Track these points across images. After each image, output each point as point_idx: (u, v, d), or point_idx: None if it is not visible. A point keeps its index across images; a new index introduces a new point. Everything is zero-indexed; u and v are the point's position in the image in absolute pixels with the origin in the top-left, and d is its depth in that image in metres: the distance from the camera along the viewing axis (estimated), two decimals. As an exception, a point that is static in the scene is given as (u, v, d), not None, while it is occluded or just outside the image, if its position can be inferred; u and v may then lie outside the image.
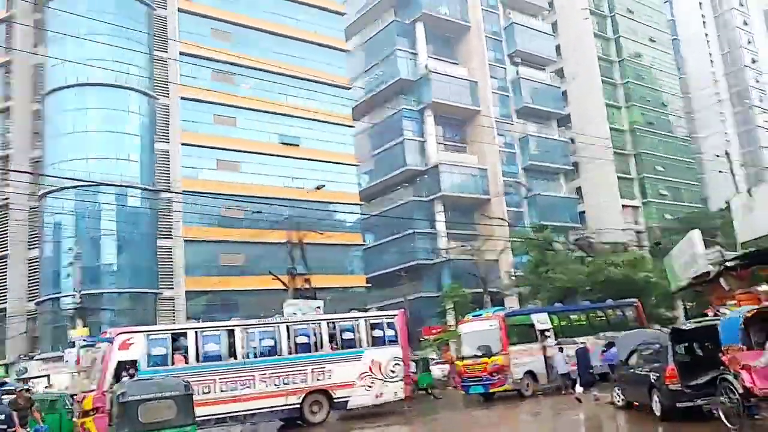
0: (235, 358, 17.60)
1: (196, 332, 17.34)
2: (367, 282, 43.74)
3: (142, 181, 35.40)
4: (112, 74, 34.80)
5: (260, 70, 37.38)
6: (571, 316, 24.17)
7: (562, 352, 20.77)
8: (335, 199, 41.53)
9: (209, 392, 16.63)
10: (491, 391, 20.64)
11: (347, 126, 45.16)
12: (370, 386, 19.17)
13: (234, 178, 38.53)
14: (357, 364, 19.11)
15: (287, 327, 18.66)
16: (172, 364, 16.50)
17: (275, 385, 17.77)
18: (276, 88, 38.11)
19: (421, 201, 52.24)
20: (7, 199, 34.26)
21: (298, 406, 17.95)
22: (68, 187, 33.64)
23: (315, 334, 18.94)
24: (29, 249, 34.86)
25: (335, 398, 18.58)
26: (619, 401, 14.98)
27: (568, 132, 61.88)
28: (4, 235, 34.99)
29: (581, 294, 31.03)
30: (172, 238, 35.95)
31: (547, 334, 21.85)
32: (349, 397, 18.81)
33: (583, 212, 59.64)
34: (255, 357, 17.95)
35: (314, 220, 34.38)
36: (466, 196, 52.76)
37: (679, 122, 71.29)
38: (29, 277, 34.51)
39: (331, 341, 19.14)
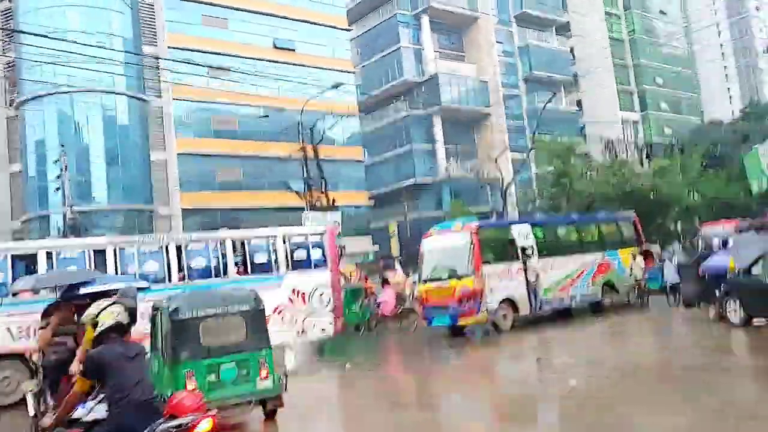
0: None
1: (47, 253, 13.79)
2: (369, 199, 42.90)
3: (129, 88, 33.54)
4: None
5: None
6: (558, 230, 20.99)
7: (671, 261, 19.33)
8: (333, 109, 40.06)
9: None
10: (460, 323, 17.27)
11: (343, 30, 43.23)
12: (289, 321, 15.99)
13: (225, 84, 36.81)
14: (273, 293, 15.30)
15: (176, 248, 15.17)
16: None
17: None
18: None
19: (418, 115, 51.01)
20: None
21: None
22: (49, 94, 31.87)
23: (215, 257, 15.70)
24: (10, 164, 33.01)
25: None
26: (736, 318, 13.87)
27: (568, 42, 60.77)
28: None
29: (605, 207, 30.75)
30: (164, 150, 34.39)
31: (528, 252, 18.44)
32: None
33: (583, 127, 59.20)
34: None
35: (311, 132, 33.00)
36: (465, 108, 51.66)
37: (678, 33, 70.58)
38: (12, 194, 32.81)
39: (237, 265, 16.03)
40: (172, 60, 34.99)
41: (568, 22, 61.07)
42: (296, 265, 16.58)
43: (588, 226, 21.74)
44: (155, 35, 35.16)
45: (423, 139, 51.22)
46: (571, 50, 59.59)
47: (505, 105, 52.67)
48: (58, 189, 29.94)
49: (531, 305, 18.11)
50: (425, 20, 51.50)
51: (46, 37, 21.56)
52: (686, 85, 68.33)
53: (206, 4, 36.38)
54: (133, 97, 33.44)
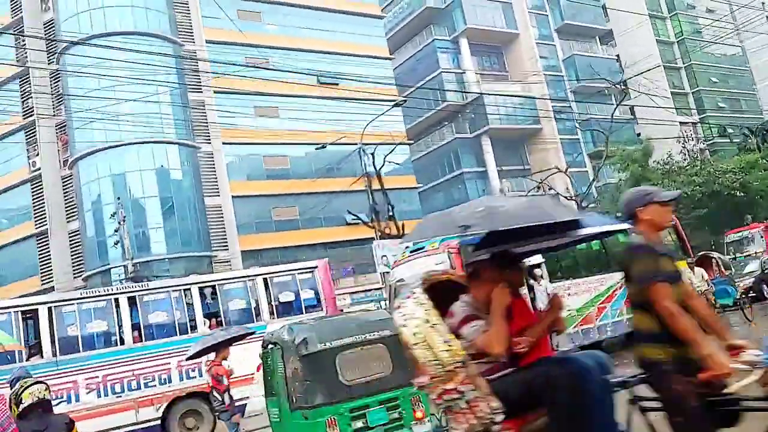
0: (42, 356, 12.19)
1: None
2: (426, 227, 42.76)
3: (178, 136, 34.41)
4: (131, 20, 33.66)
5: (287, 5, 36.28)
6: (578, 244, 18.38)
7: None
8: (383, 140, 40.37)
9: None
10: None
11: (385, 59, 43.83)
12: None
13: (273, 124, 37.57)
14: (256, 347, 13.23)
15: (128, 300, 12.97)
16: None
17: (115, 393, 12.39)
18: (305, 23, 37.07)
19: (465, 138, 51.16)
20: (38, 169, 33.34)
21: (159, 420, 12.63)
22: (101, 150, 32.85)
23: (179, 309, 13.52)
24: (68, 222, 33.99)
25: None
26: None
27: (612, 50, 60.48)
28: (41, 209, 34.05)
29: (691, 209, 30.10)
30: (219, 196, 35.01)
31: (536, 273, 14.90)
32: (246, 399, 12.75)
33: (639, 134, 58.39)
34: (75, 352, 12.47)
35: (362, 165, 33.19)
36: (514, 127, 51.63)
37: (728, 30, 69.61)
38: (72, 251, 33.68)
39: (209, 316, 14.01)
40: (218, 108, 36.03)
41: (611, 30, 60.88)
42: (283, 310, 14.53)
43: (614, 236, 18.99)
44: (200, 81, 36.05)
45: (473, 161, 51.29)
46: (618, 58, 59.18)
47: (556, 119, 52.47)
48: (117, 243, 30.59)
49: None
50: (464, 43, 52.01)
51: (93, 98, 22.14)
52: (743, 82, 67.08)
53: (247, 45, 37.26)
54: (183, 144, 34.21)
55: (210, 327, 13.59)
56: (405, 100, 32.03)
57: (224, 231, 34.65)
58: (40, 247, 34.03)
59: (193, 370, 12.76)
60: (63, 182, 34.44)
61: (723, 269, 19.04)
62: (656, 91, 56.74)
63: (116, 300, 12.95)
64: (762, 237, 25.39)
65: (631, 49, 54.62)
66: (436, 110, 50.89)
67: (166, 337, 13.11)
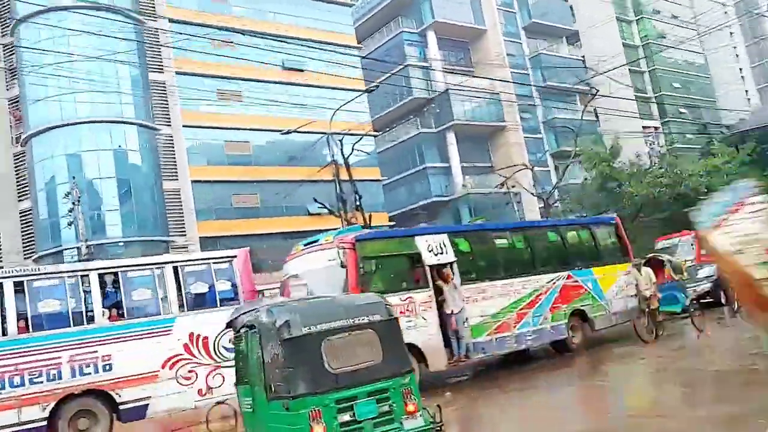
0: None
1: None
2: (390, 220, 42.86)
3: (137, 117, 33.77)
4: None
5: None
6: (497, 242, 15.95)
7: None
8: (350, 129, 40.28)
9: None
10: None
11: (353, 47, 43.68)
12: (187, 378, 12.57)
13: (236, 109, 37.20)
14: (161, 342, 12.45)
15: (14, 285, 11.65)
16: None
17: None
18: (272, 7, 36.81)
19: (430, 132, 51.33)
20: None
21: (45, 422, 11.22)
22: (56, 127, 32.11)
23: (76, 296, 12.21)
24: (19, 201, 33.12)
25: (122, 403, 11.84)
26: None
27: (578, 51, 61.36)
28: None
29: (656, 210, 30.75)
30: (178, 180, 34.49)
31: (446, 274, 13.65)
32: (148, 398, 12.07)
33: (601, 136, 59.36)
34: None
35: (330, 152, 33.11)
36: (479, 124, 51.99)
37: (691, 36, 71.21)
38: (23, 230, 32.83)
39: (109, 307, 12.61)
40: (179, 89, 35.47)
41: (578, 31, 61.77)
42: (195, 302, 13.31)
43: (543, 235, 17.02)
44: (161, 62, 35.45)
45: (437, 157, 51.50)
46: (583, 60, 60.06)
47: (520, 117, 53.01)
48: (70, 224, 29.89)
49: (453, 352, 13.46)
50: (431, 36, 52.22)
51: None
52: (703, 90, 68.67)
53: (213, 27, 36.72)
54: (141, 125, 33.59)
55: (110, 318, 12.37)
56: (378, 86, 31.97)
57: (182, 216, 34.18)
58: (-12, 224, 33.15)
59: (88, 366, 11.67)
60: (15, 159, 33.56)
61: (673, 273, 17.62)
62: (620, 93, 57.98)
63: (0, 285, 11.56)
64: (692, 245, 24.61)
65: (597, 50, 55.37)
66: (402, 103, 51.02)
67: (58, 328, 11.71)
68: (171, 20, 35.78)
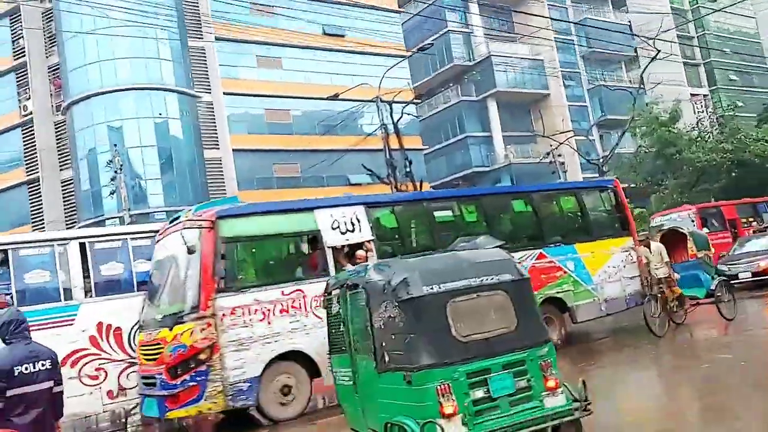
0: None
1: None
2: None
3: (178, 85, 33.52)
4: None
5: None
6: (437, 214, 12.70)
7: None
8: (392, 96, 39.68)
9: None
10: (170, 415, 9.64)
11: (393, 11, 42.88)
12: (93, 378, 10.75)
13: (276, 76, 36.81)
14: (61, 334, 10.32)
15: None
16: None
17: None
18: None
19: (471, 101, 50.49)
20: (30, 113, 32.45)
21: None
22: (96, 94, 31.98)
23: None
24: (61, 170, 33.20)
25: None
26: None
27: (625, 16, 59.70)
28: (33, 156, 33.22)
29: (716, 179, 29.79)
30: (219, 149, 34.28)
31: (360, 254, 10.79)
32: None
33: (647, 104, 57.96)
34: None
35: (380, 117, 32.57)
36: (522, 91, 50.99)
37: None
38: (65, 200, 32.95)
39: None
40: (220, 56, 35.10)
41: (624, -7, 60.09)
42: (106, 287, 11.39)
43: (504, 204, 14.04)
44: (200, 28, 35.07)
45: (478, 125, 50.72)
46: (629, 25, 58.45)
47: (564, 85, 51.86)
48: (112, 193, 29.91)
49: None
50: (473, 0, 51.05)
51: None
52: (755, 56, 66.54)
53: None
54: (182, 93, 33.32)
55: None
56: (430, 45, 31.17)
57: (224, 185, 33.96)
58: (31, 195, 33.29)
59: None
60: (56, 128, 33.58)
61: (695, 249, 14.31)
62: (668, 59, 56.42)
63: None
64: (693, 221, 22.21)
65: (643, 16, 53.76)
66: (443, 70, 50.16)
67: None
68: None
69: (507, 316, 5.64)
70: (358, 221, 11.19)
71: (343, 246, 10.98)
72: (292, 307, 10.14)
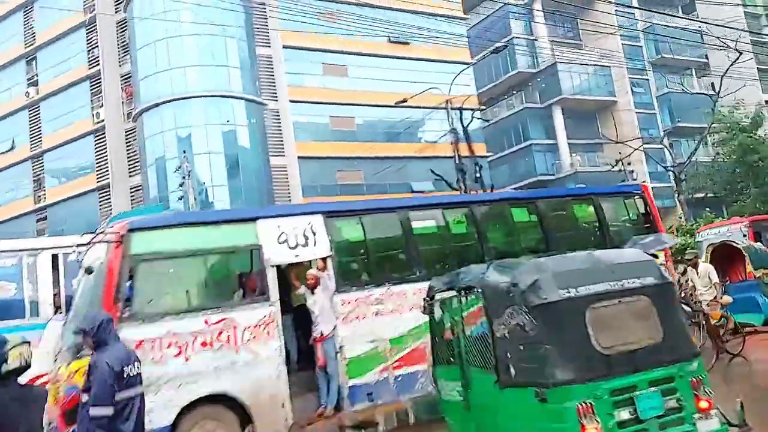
0: None
1: None
2: (496, 198, 41.81)
3: (246, 92, 33.89)
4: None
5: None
6: (417, 224, 10.48)
7: None
8: (461, 103, 39.40)
9: None
10: None
11: (459, 19, 42.60)
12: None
13: (341, 84, 36.89)
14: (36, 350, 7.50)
15: None
16: None
17: None
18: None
19: (536, 108, 49.82)
20: (102, 121, 33.25)
21: None
22: (166, 102, 32.53)
23: None
24: (130, 176, 33.87)
25: None
26: None
27: (694, 22, 58.12)
28: (104, 162, 34.00)
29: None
30: (284, 156, 34.49)
31: (312, 274, 9.45)
32: None
33: (724, 110, 56.20)
34: None
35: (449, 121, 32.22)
36: (588, 98, 50.04)
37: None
38: (133, 206, 33.54)
39: None
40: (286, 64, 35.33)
41: (694, -1, 58.49)
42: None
43: (502, 214, 11.66)
44: (268, 36, 35.43)
45: (542, 133, 50.00)
46: (700, 31, 56.87)
47: (632, 92, 50.71)
48: (180, 198, 30.39)
49: (322, 401, 9.21)
50: (538, 7, 50.42)
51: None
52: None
53: (317, -1, 36.50)
54: (249, 100, 33.65)
55: None
56: (504, 46, 30.74)
57: (289, 192, 34.08)
58: (101, 201, 34.03)
59: None
60: (126, 135, 34.30)
61: (752, 267, 12.38)
62: (743, 65, 54.60)
63: None
64: (746, 235, 20.49)
65: (715, 15, 52.22)
66: (507, 77, 49.65)
67: None
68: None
69: (651, 325, 5.06)
70: (314, 233, 9.45)
71: (296, 263, 9.45)
72: (218, 339, 8.36)
